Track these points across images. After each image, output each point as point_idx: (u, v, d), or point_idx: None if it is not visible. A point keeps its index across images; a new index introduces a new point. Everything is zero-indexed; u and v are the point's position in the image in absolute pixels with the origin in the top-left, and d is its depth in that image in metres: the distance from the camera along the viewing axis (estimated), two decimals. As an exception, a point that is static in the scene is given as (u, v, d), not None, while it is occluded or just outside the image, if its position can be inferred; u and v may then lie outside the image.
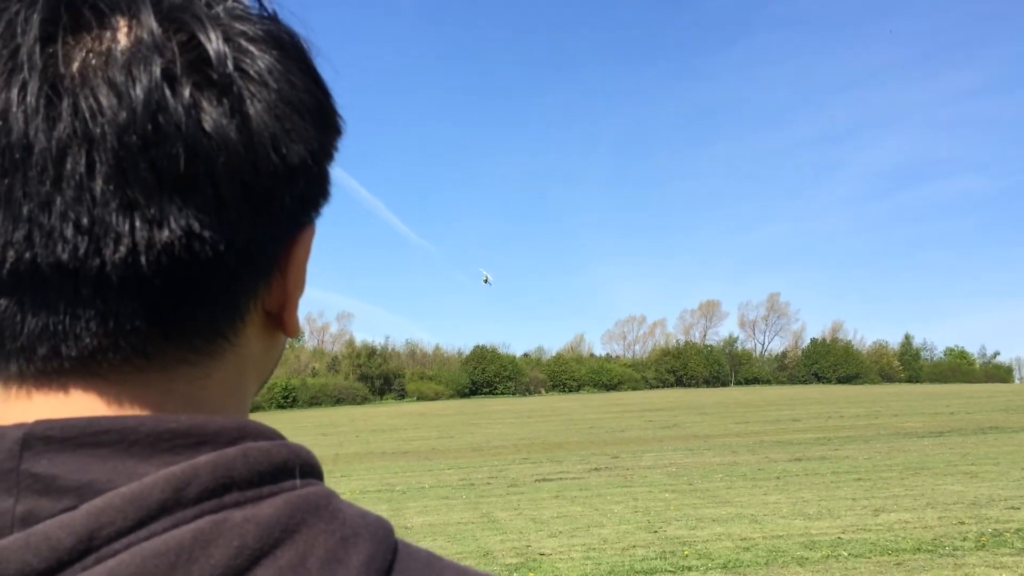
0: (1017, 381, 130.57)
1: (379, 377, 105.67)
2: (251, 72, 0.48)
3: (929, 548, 9.68)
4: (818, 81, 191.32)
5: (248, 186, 0.47)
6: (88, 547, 0.41)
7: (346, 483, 20.17)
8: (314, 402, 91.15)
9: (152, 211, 0.44)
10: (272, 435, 0.51)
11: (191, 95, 0.45)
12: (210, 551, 0.42)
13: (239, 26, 0.49)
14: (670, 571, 9.08)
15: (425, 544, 11.19)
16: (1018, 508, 12.28)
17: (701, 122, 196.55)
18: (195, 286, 0.47)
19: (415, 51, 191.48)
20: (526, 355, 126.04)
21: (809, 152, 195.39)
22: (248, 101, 0.47)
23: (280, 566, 0.44)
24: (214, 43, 0.46)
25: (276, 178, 0.49)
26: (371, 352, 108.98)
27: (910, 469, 18.31)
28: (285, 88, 0.49)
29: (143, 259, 0.45)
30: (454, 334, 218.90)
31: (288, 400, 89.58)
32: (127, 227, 0.44)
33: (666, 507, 14.04)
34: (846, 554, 9.57)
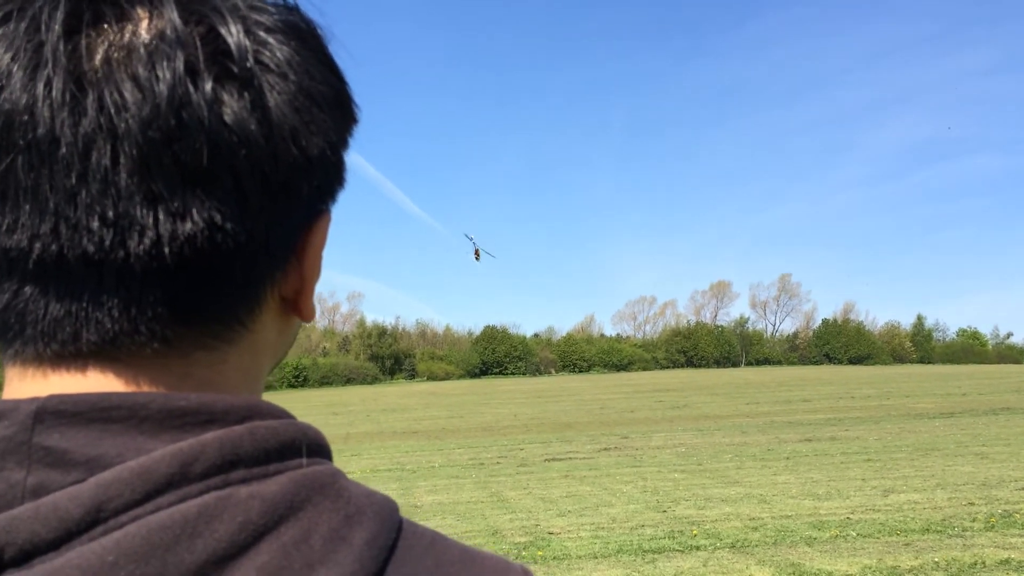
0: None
1: (390, 357, 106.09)
2: (271, 64, 0.48)
3: (938, 529, 9.67)
4: (830, 61, 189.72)
5: (268, 178, 0.48)
6: (96, 519, 0.42)
7: (356, 462, 20.31)
8: (325, 382, 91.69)
9: (175, 204, 0.45)
10: (280, 414, 0.51)
11: (213, 89, 0.46)
12: (214, 526, 0.43)
13: (258, 17, 0.49)
14: (678, 550, 9.11)
15: (434, 523, 11.29)
16: (1028, 489, 12.25)
17: (712, 102, 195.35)
18: (215, 275, 0.48)
19: (427, 31, 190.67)
20: (536, 335, 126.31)
21: (821, 132, 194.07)
22: (268, 94, 0.48)
23: (283, 542, 0.44)
24: (235, 35, 0.47)
25: (296, 169, 0.49)
26: (381, 332, 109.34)
27: (920, 450, 18.27)
28: (304, 80, 0.50)
29: (166, 250, 0.46)
30: (464, 314, 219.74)
31: (299, 380, 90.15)
32: (151, 220, 0.45)
33: (675, 487, 14.08)
34: (854, 534, 9.57)
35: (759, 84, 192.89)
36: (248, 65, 0.47)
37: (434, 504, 13.14)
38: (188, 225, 0.46)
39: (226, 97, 0.46)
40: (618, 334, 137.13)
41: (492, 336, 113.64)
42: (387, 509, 0.50)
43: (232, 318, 0.51)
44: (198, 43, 0.46)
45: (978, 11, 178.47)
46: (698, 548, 9.16)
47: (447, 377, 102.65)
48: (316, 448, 0.51)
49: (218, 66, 0.46)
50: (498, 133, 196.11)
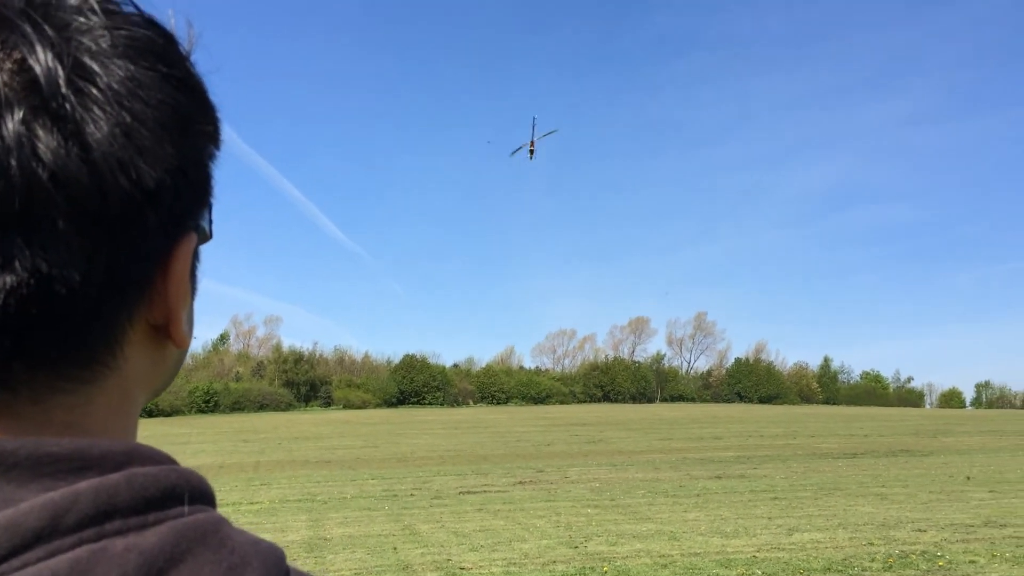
0: (928, 406, 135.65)
1: (305, 383, 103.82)
2: (92, 92, 0.45)
3: (839, 568, 9.97)
4: (752, 105, 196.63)
5: (99, 216, 0.45)
6: None
7: (266, 492, 19.76)
8: (236, 407, 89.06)
9: None
10: (162, 459, 0.49)
11: (24, 122, 0.42)
12: None
13: (88, 39, 0.45)
14: (589, 587, 9.14)
15: (343, 556, 11.07)
16: (924, 531, 12.75)
17: (638, 138, 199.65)
18: (56, 320, 0.45)
19: (355, 50, 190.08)
20: (456, 366, 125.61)
21: (742, 174, 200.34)
22: (89, 125, 0.44)
23: None
24: (43, 64, 0.43)
25: (132, 203, 0.46)
26: (298, 358, 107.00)
27: (824, 489, 18.84)
28: (136, 106, 0.46)
29: None
30: (385, 342, 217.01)
31: (209, 404, 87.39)
32: None
33: (588, 522, 14.15)
34: (760, 572, 9.78)
35: (683, 124, 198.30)
36: (59, 94, 0.43)
37: (344, 537, 12.87)
38: (10, 277, 0.43)
39: (41, 132, 0.43)
40: (537, 367, 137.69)
41: (411, 365, 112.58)
42: (273, 558, 0.48)
43: (88, 359, 0.48)
44: (11, 71, 0.43)
45: (894, 64, 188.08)
46: (608, 585, 9.20)
47: (364, 405, 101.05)
48: (199, 495, 0.49)
49: (30, 99, 0.43)
50: (425, 160, 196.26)
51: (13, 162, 0.42)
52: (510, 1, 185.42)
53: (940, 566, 9.94)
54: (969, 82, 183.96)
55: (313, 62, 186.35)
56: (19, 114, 0.42)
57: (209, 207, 0.55)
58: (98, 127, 0.44)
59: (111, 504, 0.43)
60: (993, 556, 10.49)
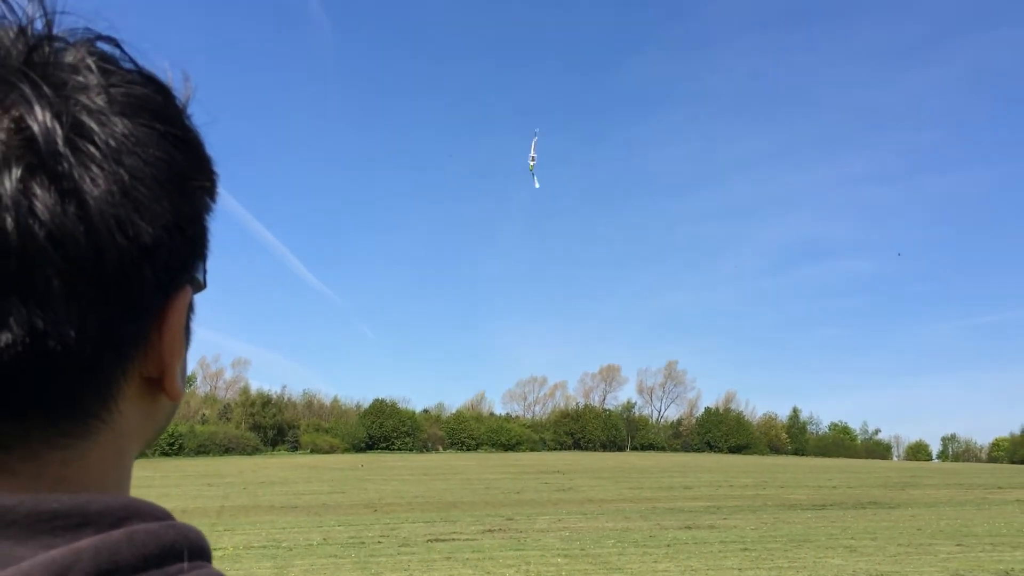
0: (895, 458, 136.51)
1: (273, 427, 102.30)
2: (90, 150, 0.45)
3: (809, 621, 9.93)
4: (723, 156, 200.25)
5: (96, 274, 0.45)
6: None
7: (229, 538, 19.33)
8: (201, 450, 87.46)
9: None
10: (160, 515, 0.49)
11: (21, 180, 0.42)
12: None
13: (85, 97, 0.46)
14: (558, 639, 9.01)
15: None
16: (892, 583, 12.75)
17: (611, 189, 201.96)
18: (50, 377, 0.45)
19: (326, 89, 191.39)
20: (426, 411, 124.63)
21: (712, 225, 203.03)
22: (86, 183, 0.44)
23: None
24: (40, 122, 0.44)
25: (128, 260, 0.46)
26: (266, 401, 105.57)
27: (794, 541, 18.81)
28: (134, 163, 0.47)
29: None
30: (354, 387, 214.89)
31: (174, 447, 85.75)
32: None
33: (558, 572, 13.99)
34: (730, 625, 9.71)
35: (657, 175, 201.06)
36: (57, 152, 0.43)
37: (310, 585, 12.61)
38: (5, 335, 0.43)
39: (38, 191, 0.43)
40: (508, 413, 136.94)
41: (380, 410, 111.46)
42: None
43: (83, 414, 0.48)
44: (10, 129, 0.43)
45: (858, 123, 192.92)
46: (578, 637, 9.09)
47: (332, 450, 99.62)
48: (197, 551, 0.49)
49: (32, 155, 0.43)
50: (398, 202, 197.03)
51: (10, 220, 0.42)
52: (483, 48, 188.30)
53: (909, 619, 9.94)
54: (929, 143, 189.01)
55: (284, 101, 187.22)
56: (16, 172, 0.42)
57: (204, 259, 0.56)
58: (96, 185, 0.44)
59: (113, 562, 0.43)
60: (961, 610, 10.51)
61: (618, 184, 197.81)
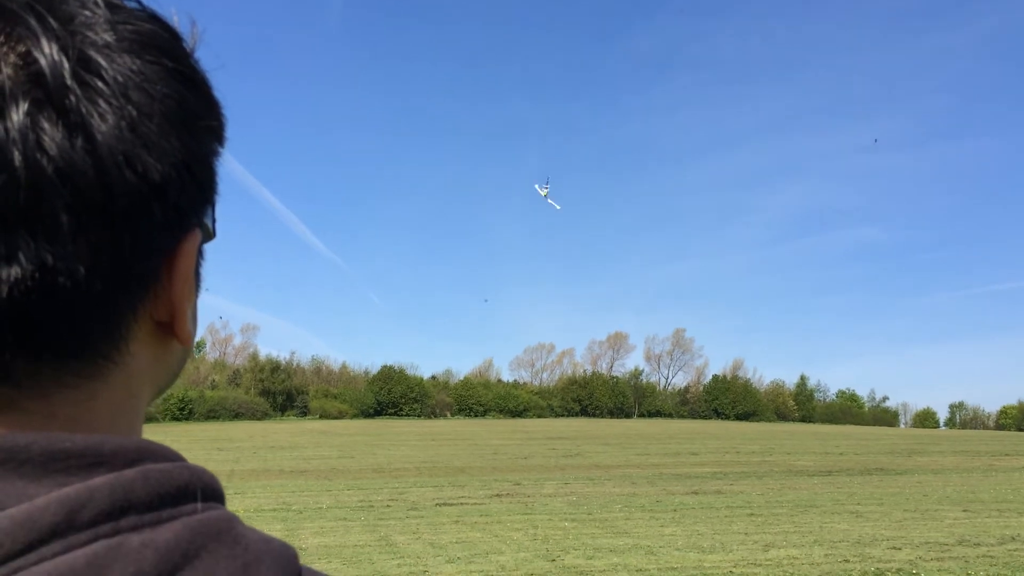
0: (903, 426, 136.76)
1: (282, 393, 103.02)
2: (98, 85, 0.44)
3: (815, 584, 9.99)
4: (732, 126, 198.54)
5: (105, 210, 0.44)
6: None
7: (240, 501, 19.54)
8: (211, 415, 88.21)
9: None
10: (172, 456, 0.49)
11: (28, 115, 0.42)
12: None
13: (92, 32, 0.45)
14: (566, 600, 9.10)
15: (319, 567, 10.93)
16: (899, 548, 12.81)
17: (620, 155, 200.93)
18: (60, 314, 0.45)
19: (336, 56, 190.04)
20: (434, 377, 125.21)
21: (721, 193, 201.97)
22: (94, 118, 0.44)
23: None
24: (48, 56, 0.43)
25: (138, 197, 0.46)
26: (275, 367, 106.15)
27: (800, 506, 18.90)
28: (141, 99, 0.46)
29: None
30: (362, 353, 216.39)
31: (184, 412, 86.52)
32: None
33: (565, 536, 14.10)
34: (736, 588, 9.78)
35: (665, 142, 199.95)
36: (64, 87, 0.43)
37: (320, 547, 12.75)
38: (15, 269, 0.42)
39: (46, 125, 0.42)
40: (515, 380, 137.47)
41: (389, 376, 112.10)
42: (286, 556, 0.48)
43: (93, 354, 0.48)
44: (17, 64, 0.42)
45: (866, 90, 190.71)
46: (585, 598, 9.17)
47: (341, 416, 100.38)
48: (210, 493, 0.49)
49: (34, 91, 0.42)
50: (407, 170, 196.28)
51: (17, 154, 0.41)
52: (493, 16, 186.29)
53: (915, 584, 9.99)
54: (940, 109, 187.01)
55: (293, 66, 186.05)
56: (24, 106, 0.42)
57: (213, 205, 0.55)
58: (104, 120, 0.44)
59: (127, 500, 0.43)
60: (967, 575, 10.56)
61: (627, 151, 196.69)
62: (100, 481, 0.43)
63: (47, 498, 0.41)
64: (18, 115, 0.42)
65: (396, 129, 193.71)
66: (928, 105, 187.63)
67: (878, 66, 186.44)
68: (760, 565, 11.32)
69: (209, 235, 0.56)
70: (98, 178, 0.44)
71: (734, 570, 10.92)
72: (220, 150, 0.53)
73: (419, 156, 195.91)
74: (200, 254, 0.56)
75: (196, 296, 0.56)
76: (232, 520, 0.48)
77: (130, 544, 0.42)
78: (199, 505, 0.47)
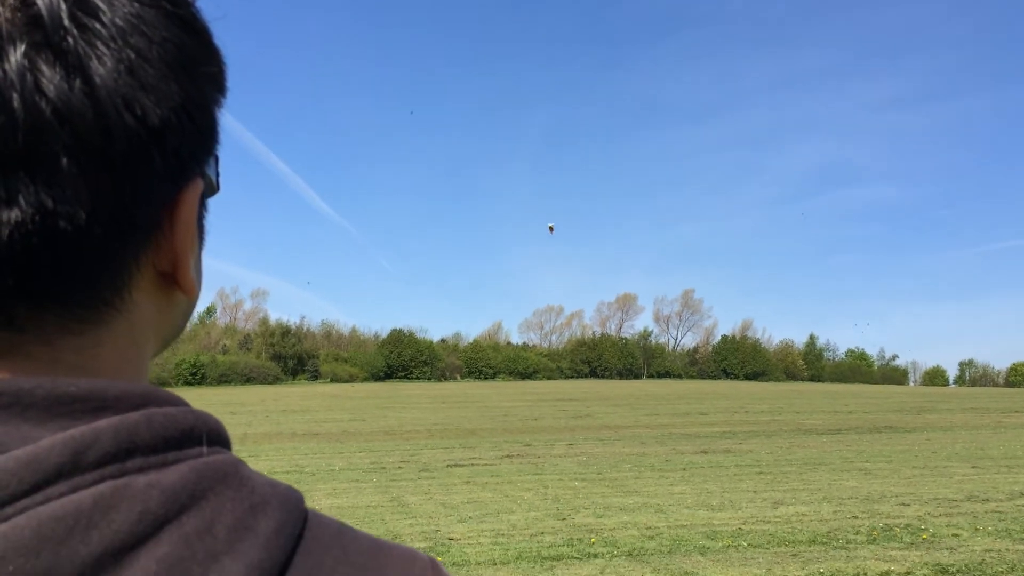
0: (912, 384, 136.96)
1: (292, 357, 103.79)
2: (96, 27, 0.44)
3: (824, 540, 10.07)
4: (740, 84, 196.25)
5: (104, 154, 0.44)
6: None
7: (253, 463, 19.75)
8: (223, 380, 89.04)
9: None
10: (177, 401, 0.49)
11: (26, 57, 0.41)
12: (111, 516, 0.40)
13: None
14: (576, 558, 9.20)
15: (333, 527, 11.09)
16: (908, 504, 12.89)
17: (627, 115, 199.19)
18: (62, 258, 0.44)
19: (344, 23, 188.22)
20: (443, 340, 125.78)
21: (730, 152, 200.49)
22: (92, 61, 0.43)
23: (186, 532, 0.42)
24: None
25: (137, 141, 0.45)
26: (285, 331, 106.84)
27: (809, 464, 19.00)
28: (140, 42, 0.45)
29: None
30: (371, 316, 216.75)
31: (196, 377, 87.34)
32: None
33: (575, 495, 14.23)
34: (745, 544, 9.87)
35: (673, 101, 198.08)
36: (62, 28, 0.42)
37: (333, 508, 12.91)
38: (15, 212, 0.42)
39: (44, 67, 0.42)
40: (524, 342, 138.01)
41: (399, 339, 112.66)
42: (292, 499, 0.49)
43: (96, 300, 0.47)
44: (14, 6, 0.42)
45: (881, 45, 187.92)
46: (596, 556, 9.27)
47: (351, 379, 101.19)
48: (216, 437, 0.49)
49: (36, 32, 0.42)
50: (414, 133, 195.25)
51: (16, 96, 0.41)
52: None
53: (924, 539, 10.06)
54: (953, 64, 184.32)
55: (301, 33, 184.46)
56: (21, 48, 0.41)
57: (216, 158, 0.54)
58: (102, 63, 0.43)
59: (132, 442, 0.43)
60: (976, 530, 10.62)
61: (635, 111, 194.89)
62: (105, 423, 0.43)
63: (52, 439, 0.41)
64: (16, 57, 0.41)
65: (403, 95, 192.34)
66: (944, 59, 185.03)
67: (892, 21, 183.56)
68: (769, 522, 11.41)
69: (212, 187, 0.55)
70: (97, 120, 0.43)
71: (743, 527, 11.01)
72: (221, 99, 0.52)
73: (427, 120, 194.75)
74: (204, 206, 0.55)
75: (200, 247, 0.55)
76: (238, 464, 0.48)
77: (136, 485, 0.42)
78: (204, 449, 0.47)
